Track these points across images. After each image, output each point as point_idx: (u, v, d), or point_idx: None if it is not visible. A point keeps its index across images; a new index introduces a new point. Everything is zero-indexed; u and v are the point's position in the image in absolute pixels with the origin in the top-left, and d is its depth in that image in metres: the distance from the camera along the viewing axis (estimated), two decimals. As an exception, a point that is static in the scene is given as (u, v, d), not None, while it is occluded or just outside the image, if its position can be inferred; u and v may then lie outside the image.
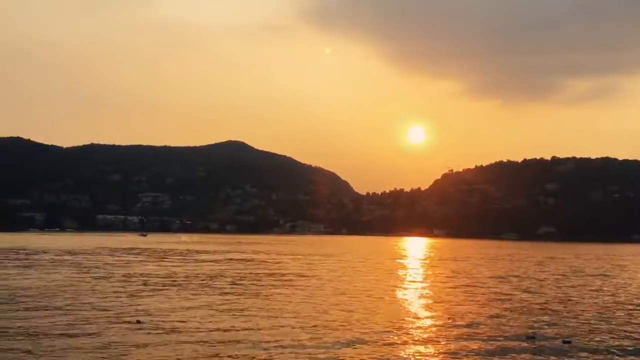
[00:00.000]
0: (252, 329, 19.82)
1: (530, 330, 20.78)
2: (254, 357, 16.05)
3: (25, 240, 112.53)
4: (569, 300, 30.77)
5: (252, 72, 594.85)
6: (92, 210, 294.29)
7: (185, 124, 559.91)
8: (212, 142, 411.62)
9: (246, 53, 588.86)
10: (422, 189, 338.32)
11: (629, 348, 18.49)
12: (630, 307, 28.11)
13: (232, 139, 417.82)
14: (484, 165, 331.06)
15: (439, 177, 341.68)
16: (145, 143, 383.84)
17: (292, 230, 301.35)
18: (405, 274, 48.61)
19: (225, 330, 19.49)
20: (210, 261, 60.02)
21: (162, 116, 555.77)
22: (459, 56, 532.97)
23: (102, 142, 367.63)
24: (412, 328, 21.05)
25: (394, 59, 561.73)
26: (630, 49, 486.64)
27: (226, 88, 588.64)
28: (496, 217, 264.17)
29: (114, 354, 15.96)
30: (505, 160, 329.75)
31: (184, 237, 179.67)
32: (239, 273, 44.14)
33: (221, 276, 40.90)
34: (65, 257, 60.31)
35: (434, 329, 20.93)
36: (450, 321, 22.24)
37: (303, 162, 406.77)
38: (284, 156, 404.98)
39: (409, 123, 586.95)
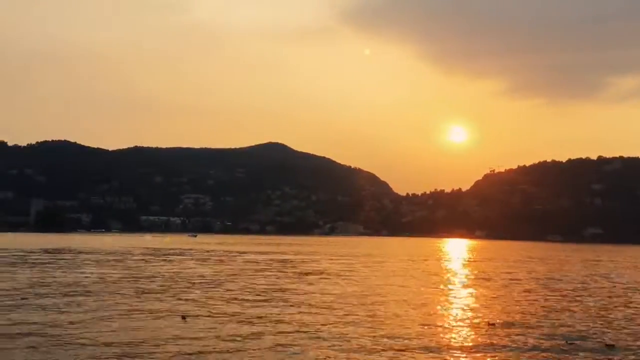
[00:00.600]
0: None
1: (572, 335, 20.23)
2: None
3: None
4: (614, 304, 29.83)
5: (291, 74, 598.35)
6: (136, 211, 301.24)
7: (225, 126, 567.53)
8: (252, 143, 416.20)
9: (285, 55, 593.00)
10: (463, 189, 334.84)
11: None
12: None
13: (272, 141, 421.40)
14: (526, 165, 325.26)
15: (480, 178, 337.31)
16: (186, 145, 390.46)
17: (331, 232, 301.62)
18: (447, 276, 48.00)
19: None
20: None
21: (203, 119, 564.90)
22: (501, 54, 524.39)
23: (145, 145, 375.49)
24: (450, 332, 20.74)
25: (434, 59, 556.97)
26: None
27: (265, 90, 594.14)
28: (540, 218, 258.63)
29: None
30: (548, 160, 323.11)
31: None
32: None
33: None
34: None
35: (472, 334, 20.57)
36: (490, 326, 21.83)
37: (342, 163, 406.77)
38: (323, 157, 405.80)
39: (449, 123, 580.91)
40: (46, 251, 74.44)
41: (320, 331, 20.00)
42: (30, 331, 18.93)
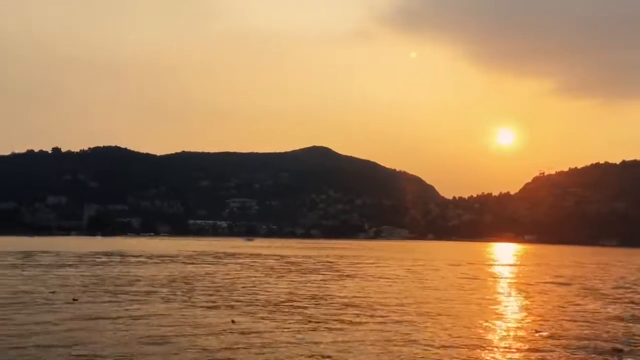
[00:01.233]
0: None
1: (619, 344, 18.98)
2: None
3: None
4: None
5: (335, 78, 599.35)
6: (184, 215, 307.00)
7: (271, 131, 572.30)
8: (297, 147, 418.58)
9: (329, 59, 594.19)
10: (512, 192, 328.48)
11: None
12: None
13: (316, 145, 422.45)
14: (578, 167, 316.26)
15: (530, 181, 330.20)
16: (233, 150, 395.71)
17: (376, 236, 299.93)
18: (495, 281, 46.56)
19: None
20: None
21: (249, 123, 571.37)
22: (552, 54, 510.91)
23: (192, 150, 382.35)
24: (494, 339, 19.81)
25: (481, 60, 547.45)
26: None
27: (310, 94, 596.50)
28: (593, 222, 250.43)
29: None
30: (602, 162, 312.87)
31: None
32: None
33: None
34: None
35: (518, 341, 19.58)
36: (536, 333, 20.76)
37: (387, 166, 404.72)
38: (368, 161, 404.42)
39: (497, 124, 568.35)
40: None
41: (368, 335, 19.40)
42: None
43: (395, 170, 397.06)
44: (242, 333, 19.44)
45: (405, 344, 18.36)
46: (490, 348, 18.36)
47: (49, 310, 23.64)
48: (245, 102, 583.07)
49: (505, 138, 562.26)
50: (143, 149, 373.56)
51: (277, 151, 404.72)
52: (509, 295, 35.44)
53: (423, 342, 18.67)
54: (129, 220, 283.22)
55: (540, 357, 17.23)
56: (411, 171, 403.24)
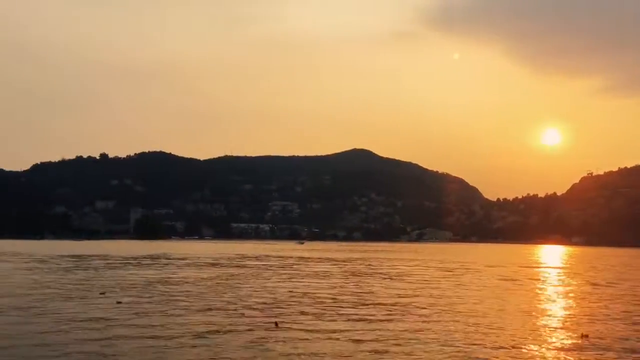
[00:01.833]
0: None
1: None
2: None
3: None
4: None
5: (376, 80, 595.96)
6: (227, 218, 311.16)
7: (312, 134, 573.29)
8: (338, 150, 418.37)
9: (370, 61, 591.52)
10: (558, 193, 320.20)
11: None
12: None
13: (357, 147, 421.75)
14: (628, 167, 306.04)
15: (577, 181, 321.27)
16: (274, 153, 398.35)
17: (419, 238, 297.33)
18: (542, 285, 45.65)
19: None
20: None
21: (290, 127, 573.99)
22: (598, 51, 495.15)
23: (234, 154, 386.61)
24: (540, 342, 19.53)
25: (523, 58, 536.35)
26: None
27: (351, 97, 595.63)
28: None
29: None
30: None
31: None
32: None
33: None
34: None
35: (565, 345, 19.26)
36: (583, 339, 20.35)
37: (429, 168, 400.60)
38: (410, 163, 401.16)
39: (543, 124, 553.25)
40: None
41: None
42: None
43: (437, 172, 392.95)
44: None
45: (444, 344, 18.31)
46: (536, 352, 18.14)
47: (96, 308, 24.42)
48: (286, 106, 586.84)
49: (551, 138, 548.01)
50: (187, 154, 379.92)
51: (319, 154, 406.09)
52: (556, 298, 34.74)
53: (461, 343, 18.57)
54: (174, 224, 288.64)
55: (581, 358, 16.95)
56: (454, 173, 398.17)
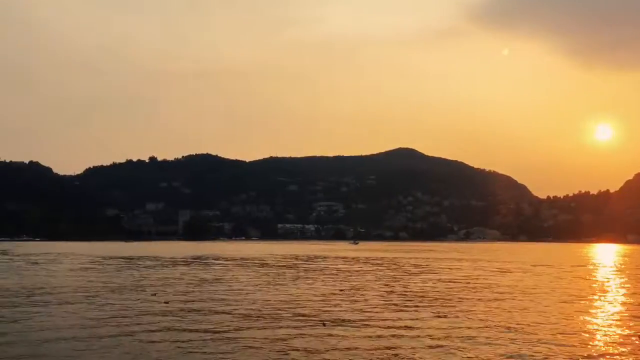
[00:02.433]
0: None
1: None
2: None
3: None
4: None
5: (420, 78, 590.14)
6: (273, 219, 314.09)
7: (356, 134, 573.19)
8: (383, 150, 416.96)
9: (414, 60, 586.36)
10: (611, 190, 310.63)
11: None
12: None
13: (402, 146, 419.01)
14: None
15: (631, 178, 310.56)
16: (319, 154, 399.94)
17: (466, 238, 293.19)
18: (598, 284, 44.36)
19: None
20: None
21: (335, 127, 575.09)
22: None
23: (279, 155, 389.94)
24: (595, 343, 19.08)
25: (572, 52, 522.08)
26: None
27: (396, 96, 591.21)
28: None
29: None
30: None
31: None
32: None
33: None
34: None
35: (619, 346, 18.75)
36: (637, 341, 19.76)
37: (476, 167, 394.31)
38: (456, 161, 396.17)
39: (593, 120, 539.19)
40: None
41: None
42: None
43: (484, 170, 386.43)
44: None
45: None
46: (588, 353, 17.74)
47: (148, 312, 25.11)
48: (330, 107, 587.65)
49: (602, 134, 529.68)
50: (233, 156, 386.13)
51: (363, 154, 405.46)
52: (612, 299, 33.71)
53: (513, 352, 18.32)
54: (221, 225, 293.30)
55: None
56: (502, 171, 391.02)
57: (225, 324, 21.77)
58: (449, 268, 61.05)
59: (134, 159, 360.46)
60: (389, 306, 27.56)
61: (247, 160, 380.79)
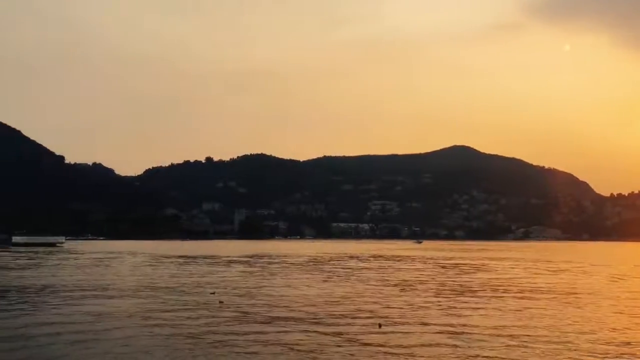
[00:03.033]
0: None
1: None
2: None
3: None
4: None
5: (476, 75, 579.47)
6: (327, 218, 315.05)
7: (410, 132, 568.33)
8: (437, 148, 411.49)
9: (470, 56, 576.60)
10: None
11: None
12: None
13: (457, 144, 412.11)
14: None
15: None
16: (372, 153, 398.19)
17: (525, 237, 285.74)
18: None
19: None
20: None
21: (388, 126, 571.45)
22: None
23: (333, 155, 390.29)
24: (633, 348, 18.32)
25: (634, 45, 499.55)
26: None
27: (450, 94, 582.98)
28: None
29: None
30: None
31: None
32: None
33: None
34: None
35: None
36: None
37: (535, 164, 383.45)
38: (514, 158, 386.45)
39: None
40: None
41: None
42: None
43: (544, 167, 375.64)
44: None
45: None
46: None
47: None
48: (384, 106, 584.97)
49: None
50: (287, 156, 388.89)
51: (418, 152, 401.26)
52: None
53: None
54: (276, 224, 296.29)
55: None
56: (562, 168, 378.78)
57: (280, 323, 22.04)
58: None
59: (191, 160, 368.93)
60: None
61: (302, 160, 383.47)
